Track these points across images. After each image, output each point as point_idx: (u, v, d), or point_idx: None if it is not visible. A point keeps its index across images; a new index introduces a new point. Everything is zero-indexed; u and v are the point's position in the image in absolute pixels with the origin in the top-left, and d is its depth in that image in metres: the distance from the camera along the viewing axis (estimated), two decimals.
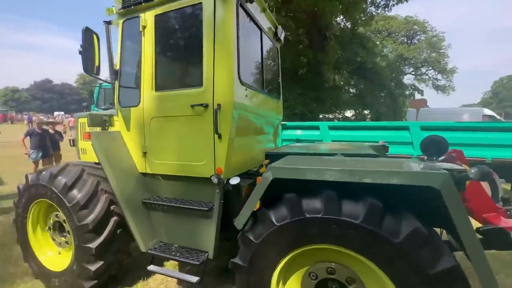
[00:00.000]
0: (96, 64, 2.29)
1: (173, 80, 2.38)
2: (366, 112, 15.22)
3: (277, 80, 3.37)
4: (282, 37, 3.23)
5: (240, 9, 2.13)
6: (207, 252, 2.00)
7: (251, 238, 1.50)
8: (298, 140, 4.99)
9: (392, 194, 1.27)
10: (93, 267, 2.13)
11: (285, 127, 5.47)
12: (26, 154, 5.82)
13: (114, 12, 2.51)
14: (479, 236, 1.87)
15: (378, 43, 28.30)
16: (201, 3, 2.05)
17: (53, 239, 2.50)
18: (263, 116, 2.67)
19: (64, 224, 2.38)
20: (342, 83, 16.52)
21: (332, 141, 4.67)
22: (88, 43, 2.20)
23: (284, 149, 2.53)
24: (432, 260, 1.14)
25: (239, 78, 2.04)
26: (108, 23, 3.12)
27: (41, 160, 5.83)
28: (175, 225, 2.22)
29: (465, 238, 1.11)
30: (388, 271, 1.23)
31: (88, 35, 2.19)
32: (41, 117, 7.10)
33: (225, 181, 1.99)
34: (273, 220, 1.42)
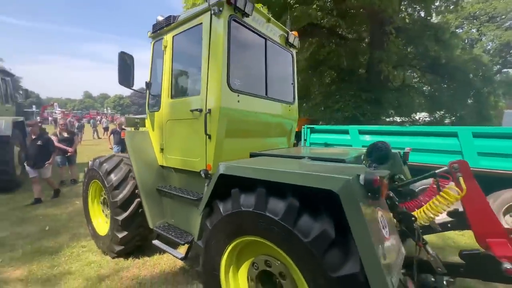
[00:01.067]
0: (132, 79, 2.95)
1: (182, 89, 2.83)
2: (441, 114, 12.86)
3: (290, 84, 3.46)
4: (295, 43, 3.31)
5: (235, 24, 2.38)
6: (194, 235, 2.34)
7: (207, 224, 1.75)
8: (326, 144, 4.82)
9: (322, 197, 1.30)
10: (120, 235, 2.77)
11: (313, 131, 5.35)
12: (110, 148, 7.50)
13: (148, 35, 3.15)
14: (460, 260, 1.61)
15: (474, 30, 23.13)
16: (201, 23, 2.41)
17: (103, 211, 3.32)
18: (264, 119, 2.84)
19: (107, 200, 3.14)
20: (412, 82, 14.43)
21: (363, 146, 4.34)
22: (124, 63, 2.86)
23: (271, 151, 2.64)
24: (336, 263, 1.14)
25: (229, 85, 2.30)
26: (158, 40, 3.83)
27: (119, 153, 7.45)
28: (175, 210, 2.66)
29: (361, 249, 1.08)
30: (301, 270, 1.28)
31: (122, 57, 2.85)
32: (122, 119, 8.63)
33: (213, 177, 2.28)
34: (221, 210, 1.64)
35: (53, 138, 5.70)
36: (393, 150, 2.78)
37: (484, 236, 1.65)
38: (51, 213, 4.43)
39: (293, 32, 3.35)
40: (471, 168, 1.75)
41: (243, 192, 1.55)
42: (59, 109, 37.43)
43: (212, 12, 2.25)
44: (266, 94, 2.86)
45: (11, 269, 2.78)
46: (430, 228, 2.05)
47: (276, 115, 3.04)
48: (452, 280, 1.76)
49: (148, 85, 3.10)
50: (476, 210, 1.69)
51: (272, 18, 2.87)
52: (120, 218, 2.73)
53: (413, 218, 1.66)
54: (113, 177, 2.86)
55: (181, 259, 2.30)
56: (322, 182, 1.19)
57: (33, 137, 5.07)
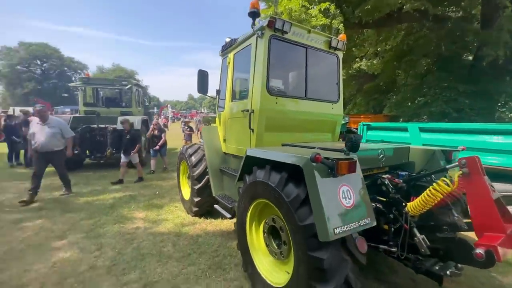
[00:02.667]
0: (207, 88, 4.04)
1: (237, 95, 3.68)
2: None
3: (335, 84, 3.75)
4: (340, 46, 3.60)
5: (275, 41, 3.01)
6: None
7: (239, 191, 2.50)
8: (383, 142, 4.65)
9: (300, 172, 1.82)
10: (196, 199, 3.93)
11: (370, 128, 5.16)
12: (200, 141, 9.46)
13: (219, 54, 4.17)
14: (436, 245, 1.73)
15: None
16: (250, 44, 3.17)
17: (188, 183, 4.64)
18: (302, 117, 3.33)
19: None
20: None
21: (423, 145, 4.00)
22: (201, 76, 3.96)
23: (301, 143, 3.10)
24: (303, 216, 1.65)
25: (268, 91, 2.96)
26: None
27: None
28: (230, 184, 3.56)
29: (313, 206, 1.56)
30: (286, 222, 1.84)
31: (200, 72, 3.95)
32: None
33: None
34: (247, 180, 2.36)
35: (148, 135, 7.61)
36: (435, 148, 2.76)
37: (482, 230, 1.69)
38: (160, 184, 6.31)
39: (340, 36, 3.65)
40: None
41: (258, 169, 2.22)
42: (171, 109, 47.15)
43: (257, 35, 2.96)
44: (306, 95, 3.35)
45: (137, 212, 4.41)
46: (457, 226, 2.10)
47: (316, 113, 3.46)
48: (458, 272, 1.85)
49: (218, 92, 4.14)
50: (478, 205, 1.73)
51: (313, 30, 3.32)
52: (196, 187, 3.88)
53: (403, 204, 1.87)
54: (193, 159, 4.04)
55: (229, 218, 3.17)
56: (293, 160, 1.72)
57: (126, 131, 6.45)
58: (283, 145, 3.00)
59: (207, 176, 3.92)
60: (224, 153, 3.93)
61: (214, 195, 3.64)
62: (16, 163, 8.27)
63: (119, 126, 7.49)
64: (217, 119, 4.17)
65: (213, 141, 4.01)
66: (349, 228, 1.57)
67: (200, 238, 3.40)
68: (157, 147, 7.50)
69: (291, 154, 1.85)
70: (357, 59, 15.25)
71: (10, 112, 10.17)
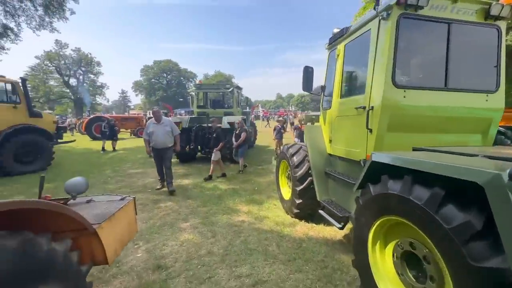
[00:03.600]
0: (311, 86, 3.82)
1: (349, 90, 3.25)
2: None
3: (492, 67, 2.74)
4: (504, 13, 2.60)
5: (405, 21, 2.45)
6: (350, 212, 2.78)
7: (360, 201, 2.15)
8: None
9: (472, 191, 1.31)
10: (297, 201, 3.81)
11: None
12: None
13: (325, 47, 3.86)
14: None
15: None
16: (369, 29, 2.72)
17: (287, 183, 4.60)
18: (439, 113, 2.60)
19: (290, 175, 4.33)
20: None
21: None
22: (306, 73, 3.76)
23: (443, 148, 2.37)
24: (480, 254, 1.15)
25: (394, 83, 2.45)
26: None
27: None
28: (337, 190, 3.21)
29: (506, 246, 1.00)
30: (442, 255, 1.36)
31: (305, 69, 3.75)
32: (299, 116, 10.18)
33: None
34: (371, 191, 1.98)
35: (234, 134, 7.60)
36: None
37: None
38: (258, 180, 6.62)
39: (501, 0, 2.64)
40: None
41: (391, 178, 1.81)
42: (262, 109, 50.00)
43: (380, 17, 2.49)
44: (446, 85, 2.60)
45: (240, 206, 4.74)
46: None
47: (461, 107, 2.64)
48: None
49: (323, 88, 3.85)
50: None
51: None
52: (298, 188, 3.75)
53: None
54: (295, 159, 3.93)
55: (339, 228, 2.85)
56: (466, 174, 1.22)
57: (213, 130, 7.14)
58: (414, 149, 2.41)
59: (309, 178, 3.72)
60: (329, 154, 3.62)
61: (319, 200, 3.40)
62: None
63: (224, 125, 8.40)
64: (321, 118, 3.90)
65: (316, 142, 3.77)
66: None
67: (304, 243, 3.24)
68: (234, 146, 7.48)
69: (463, 165, 1.34)
70: None
71: (149, 115, 13.29)
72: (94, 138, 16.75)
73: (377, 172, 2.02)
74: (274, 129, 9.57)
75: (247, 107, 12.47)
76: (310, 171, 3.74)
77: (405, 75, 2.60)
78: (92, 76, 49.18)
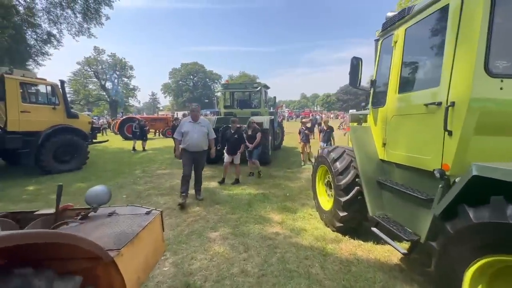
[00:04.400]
0: (359, 79, 3.28)
1: (412, 83, 2.67)
2: None
3: None
4: None
5: None
6: (419, 236, 2.22)
7: (448, 228, 1.61)
8: None
9: None
10: (341, 214, 3.29)
11: None
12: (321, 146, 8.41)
13: (377, 35, 3.30)
14: None
15: None
16: (448, 4, 2.14)
17: (326, 191, 4.08)
18: None
19: (332, 184, 3.82)
20: None
21: None
22: (354, 66, 3.24)
23: None
24: None
25: (487, 70, 1.87)
26: (378, 40, 4.00)
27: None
28: (397, 204, 2.64)
29: None
30: None
31: (353, 62, 3.22)
32: (325, 117, 9.14)
33: (451, 178, 2.02)
34: (471, 216, 1.44)
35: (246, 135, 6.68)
36: None
37: None
38: (288, 185, 6.16)
39: None
40: None
41: (510, 202, 1.26)
42: (286, 109, 49.23)
43: None
44: None
45: (273, 214, 4.32)
46: None
47: None
48: None
49: (373, 82, 3.29)
50: None
51: None
52: (343, 199, 3.23)
53: None
54: (338, 165, 3.41)
55: (404, 254, 2.30)
56: None
57: (232, 131, 6.28)
58: None
59: (356, 188, 3.19)
60: (382, 160, 3.06)
61: (371, 215, 2.86)
62: None
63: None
64: (370, 117, 3.34)
65: (365, 145, 3.22)
66: None
67: (353, 267, 2.72)
68: (250, 147, 6.71)
69: None
70: None
71: (176, 116, 13.46)
72: (126, 138, 17.47)
73: (476, 189, 1.48)
74: (299, 132, 8.48)
75: (271, 108, 12.03)
76: (357, 180, 3.21)
77: (504, 60, 1.99)
78: (125, 79, 52.23)
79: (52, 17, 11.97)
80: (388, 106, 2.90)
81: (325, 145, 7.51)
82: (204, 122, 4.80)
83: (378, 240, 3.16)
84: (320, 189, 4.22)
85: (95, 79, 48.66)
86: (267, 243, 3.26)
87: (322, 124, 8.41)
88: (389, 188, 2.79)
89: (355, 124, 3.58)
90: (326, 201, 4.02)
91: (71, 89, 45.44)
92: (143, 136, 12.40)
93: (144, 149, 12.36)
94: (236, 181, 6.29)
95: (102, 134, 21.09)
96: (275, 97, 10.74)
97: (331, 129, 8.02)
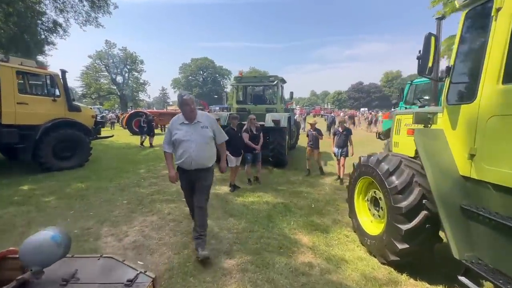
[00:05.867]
0: (430, 65, 2.42)
1: None
2: None
3: None
4: None
5: None
6: None
7: None
8: None
9: None
10: (399, 246, 2.46)
11: None
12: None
13: (457, 5, 2.42)
14: None
15: None
16: None
17: (369, 209, 3.25)
18: None
19: (379, 200, 2.99)
20: None
21: None
22: (426, 47, 2.38)
23: None
24: None
25: None
26: (441, 19, 3.10)
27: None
28: (500, 246, 1.80)
29: None
30: None
31: (428, 39, 2.36)
32: (346, 116, 7.68)
33: None
34: None
35: (244, 134, 5.71)
36: None
37: None
38: (311, 192, 5.35)
39: None
40: None
41: None
42: (298, 106, 48.12)
43: None
44: None
45: (299, 233, 3.53)
46: None
47: None
48: None
49: (450, 70, 2.41)
50: None
51: None
52: (404, 227, 2.40)
53: None
54: (395, 180, 2.58)
55: None
56: None
57: (235, 129, 5.50)
58: None
59: (424, 212, 2.36)
60: (464, 177, 2.21)
61: (458, 258, 2.02)
62: None
63: (267, 123, 7.25)
64: (444, 118, 2.47)
65: (439, 156, 2.37)
66: None
67: None
68: (257, 150, 5.83)
69: None
70: None
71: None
72: (134, 133, 16.99)
73: None
74: (308, 135, 6.94)
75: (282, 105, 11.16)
76: (424, 202, 2.38)
77: None
78: (136, 74, 52.12)
79: (58, 5, 11.47)
80: (481, 102, 2.04)
81: (339, 151, 6.17)
82: (206, 120, 2.90)
83: (452, 283, 2.33)
84: (361, 206, 3.39)
85: (106, 73, 48.74)
86: (299, 281, 2.47)
87: (337, 125, 6.59)
88: (484, 220, 1.95)
89: (421, 126, 2.73)
90: (369, 223, 3.19)
91: (83, 82, 45.66)
92: (150, 132, 11.81)
93: (151, 145, 11.76)
94: (233, 188, 5.42)
95: (111, 128, 20.78)
96: (292, 93, 9.84)
97: (348, 131, 6.24)
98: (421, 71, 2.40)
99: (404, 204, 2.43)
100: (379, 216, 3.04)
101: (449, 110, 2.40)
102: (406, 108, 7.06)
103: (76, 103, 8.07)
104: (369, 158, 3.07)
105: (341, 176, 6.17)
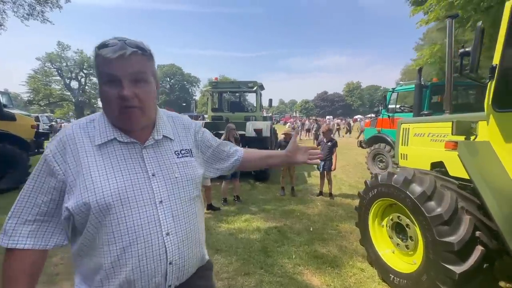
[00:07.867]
0: (476, 64, 1.98)
1: None
2: None
3: None
4: None
5: None
6: None
7: None
8: None
9: None
10: None
11: None
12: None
13: None
14: None
15: None
16: None
17: (390, 237, 2.70)
18: None
19: (406, 228, 2.44)
20: None
21: None
22: (476, 42, 1.94)
23: None
24: None
25: None
26: (454, 17, 2.74)
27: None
28: None
29: None
30: None
31: (481, 32, 1.92)
32: (325, 125, 6.60)
33: None
34: None
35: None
36: None
37: None
38: (304, 211, 4.73)
39: None
40: None
41: None
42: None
43: None
44: None
45: (307, 271, 2.84)
46: None
47: None
48: None
49: (497, 69, 1.99)
50: None
51: None
52: (458, 270, 1.85)
53: None
54: (436, 206, 2.04)
55: None
56: None
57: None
58: None
59: (480, 249, 1.84)
60: None
61: None
62: None
63: (248, 133, 6.57)
64: (490, 127, 2.02)
65: (493, 174, 1.89)
66: None
67: None
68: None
69: None
70: None
71: None
72: None
73: None
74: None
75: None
76: (477, 234, 1.87)
77: None
78: (94, 79, 47.66)
79: None
80: None
81: (322, 163, 5.44)
82: (182, 132, 1.02)
83: None
84: (377, 233, 2.83)
85: (58, 78, 43.74)
86: None
87: (321, 135, 5.87)
88: None
89: (463, 138, 2.26)
90: (393, 256, 2.63)
91: (30, 88, 40.20)
92: None
93: None
94: (209, 207, 4.72)
95: None
96: (271, 100, 9.33)
97: (333, 142, 5.56)
98: (471, 70, 1.93)
99: (454, 238, 1.90)
100: (406, 247, 2.49)
101: (497, 117, 1.96)
102: (389, 116, 6.95)
103: (11, 110, 6.51)
104: (391, 176, 2.53)
105: (331, 192, 5.66)
